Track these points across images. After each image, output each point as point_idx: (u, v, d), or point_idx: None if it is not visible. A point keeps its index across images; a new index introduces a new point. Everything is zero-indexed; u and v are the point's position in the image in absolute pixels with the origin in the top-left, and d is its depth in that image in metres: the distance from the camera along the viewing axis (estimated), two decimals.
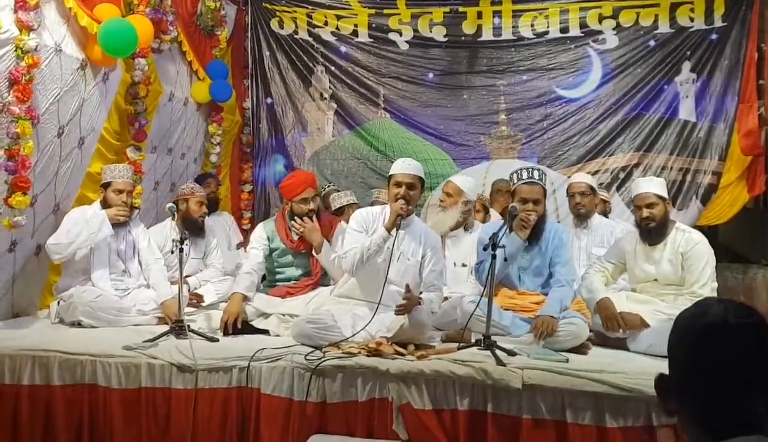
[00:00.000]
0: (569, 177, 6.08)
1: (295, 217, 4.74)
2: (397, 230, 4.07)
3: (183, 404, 3.69)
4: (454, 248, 5.28)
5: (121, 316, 4.58)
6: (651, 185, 4.32)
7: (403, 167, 4.21)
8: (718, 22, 7.15)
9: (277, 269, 4.86)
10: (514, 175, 4.38)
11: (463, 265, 5.16)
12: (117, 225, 4.75)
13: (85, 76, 4.95)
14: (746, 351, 1.25)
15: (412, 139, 7.83)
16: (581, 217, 5.35)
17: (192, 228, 5.26)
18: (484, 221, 5.65)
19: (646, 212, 4.22)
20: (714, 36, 7.16)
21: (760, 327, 1.28)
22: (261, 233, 4.84)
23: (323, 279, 4.81)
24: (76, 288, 4.59)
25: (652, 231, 4.23)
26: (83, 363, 3.77)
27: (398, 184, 4.15)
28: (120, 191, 4.78)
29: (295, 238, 4.75)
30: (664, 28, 7.30)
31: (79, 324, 4.48)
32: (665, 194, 4.27)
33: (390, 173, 4.29)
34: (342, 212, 6.19)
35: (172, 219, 4.65)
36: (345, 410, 3.57)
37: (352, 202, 6.33)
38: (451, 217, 5.27)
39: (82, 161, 5.14)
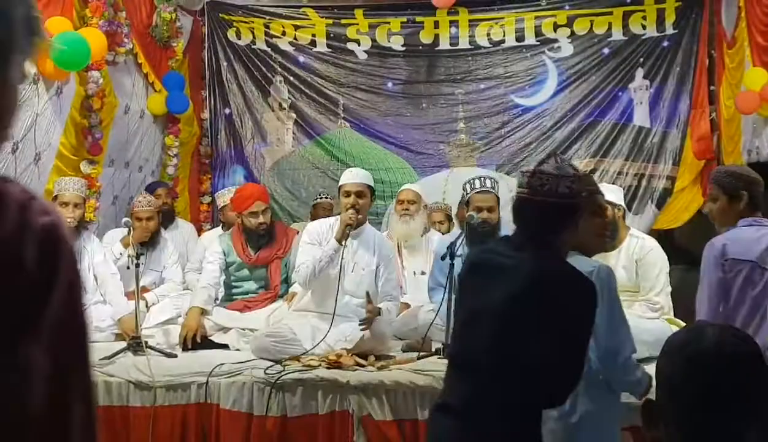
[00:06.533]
0: None
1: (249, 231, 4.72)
2: (346, 239, 4.03)
3: (141, 422, 3.65)
4: (411, 258, 5.28)
5: None
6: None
7: (351, 177, 4.23)
8: (670, 30, 7.26)
9: (234, 283, 4.83)
10: (468, 185, 4.43)
11: (422, 273, 5.13)
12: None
13: (37, 90, 4.86)
14: (741, 380, 1.21)
15: (373, 149, 7.81)
16: None
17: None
18: (448, 232, 5.57)
19: None
20: (666, 43, 7.27)
21: (754, 355, 1.24)
22: (217, 247, 4.80)
23: (282, 287, 4.79)
24: None
25: None
26: None
27: (347, 194, 4.14)
28: (66, 204, 4.65)
29: (252, 253, 4.72)
30: (617, 35, 7.39)
31: None
32: (616, 201, 4.30)
33: (339, 184, 4.30)
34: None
35: (128, 234, 4.60)
36: (306, 423, 3.57)
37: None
38: (420, 223, 5.28)
39: (40, 178, 5.02)
